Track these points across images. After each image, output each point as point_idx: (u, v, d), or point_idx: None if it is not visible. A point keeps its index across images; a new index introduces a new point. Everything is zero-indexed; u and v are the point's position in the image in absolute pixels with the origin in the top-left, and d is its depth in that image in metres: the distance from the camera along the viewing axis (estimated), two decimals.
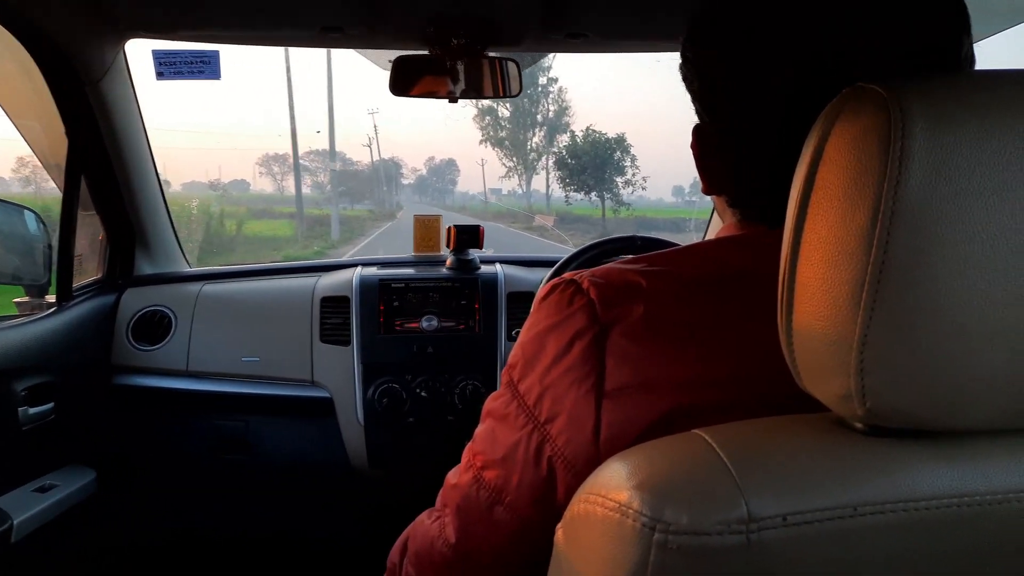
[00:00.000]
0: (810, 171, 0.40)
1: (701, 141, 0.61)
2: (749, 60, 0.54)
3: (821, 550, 0.38)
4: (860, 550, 0.38)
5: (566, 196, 33.82)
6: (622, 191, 32.62)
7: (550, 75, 40.76)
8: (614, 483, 0.41)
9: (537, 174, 45.32)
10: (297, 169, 21.80)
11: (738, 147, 0.57)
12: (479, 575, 0.61)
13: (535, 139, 43.37)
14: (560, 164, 33.91)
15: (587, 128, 34.63)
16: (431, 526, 0.65)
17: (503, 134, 43.41)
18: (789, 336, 0.42)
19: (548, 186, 44.69)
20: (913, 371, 0.37)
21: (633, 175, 32.50)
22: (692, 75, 0.60)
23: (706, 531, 0.37)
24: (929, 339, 0.37)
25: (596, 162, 32.19)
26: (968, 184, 0.35)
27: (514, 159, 43.92)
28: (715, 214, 1.66)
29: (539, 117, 41.98)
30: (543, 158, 43.77)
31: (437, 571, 0.64)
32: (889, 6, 0.51)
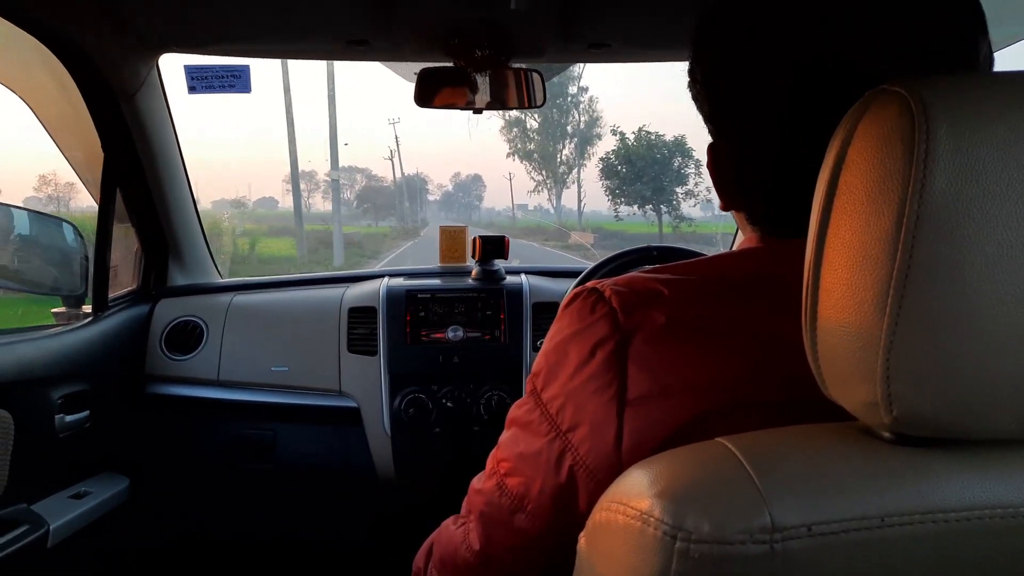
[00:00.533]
0: (833, 175, 0.40)
1: (716, 159, 0.61)
2: (750, 62, 0.54)
3: (847, 561, 0.37)
4: (887, 561, 0.37)
5: (615, 210, 28.20)
6: (682, 203, 26.51)
7: (580, 84, 37.59)
8: (635, 491, 0.40)
9: (567, 188, 42.26)
10: (296, 185, 18.85)
11: (745, 157, 0.58)
12: None
13: (565, 151, 40.45)
14: (608, 171, 27.83)
15: (640, 129, 28.08)
16: (456, 532, 0.66)
17: (531, 146, 40.76)
18: (814, 343, 0.42)
19: (580, 200, 41.18)
20: (941, 377, 0.36)
21: (696, 184, 25.98)
22: (702, 96, 0.60)
23: (728, 540, 0.36)
24: (956, 344, 0.36)
25: (654, 168, 26.24)
26: (995, 187, 0.35)
27: (543, 172, 41.08)
28: (738, 233, 1.65)
29: (569, 128, 39.06)
30: (573, 171, 40.69)
31: (460, 575, 0.64)
32: (890, 6, 0.51)
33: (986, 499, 0.38)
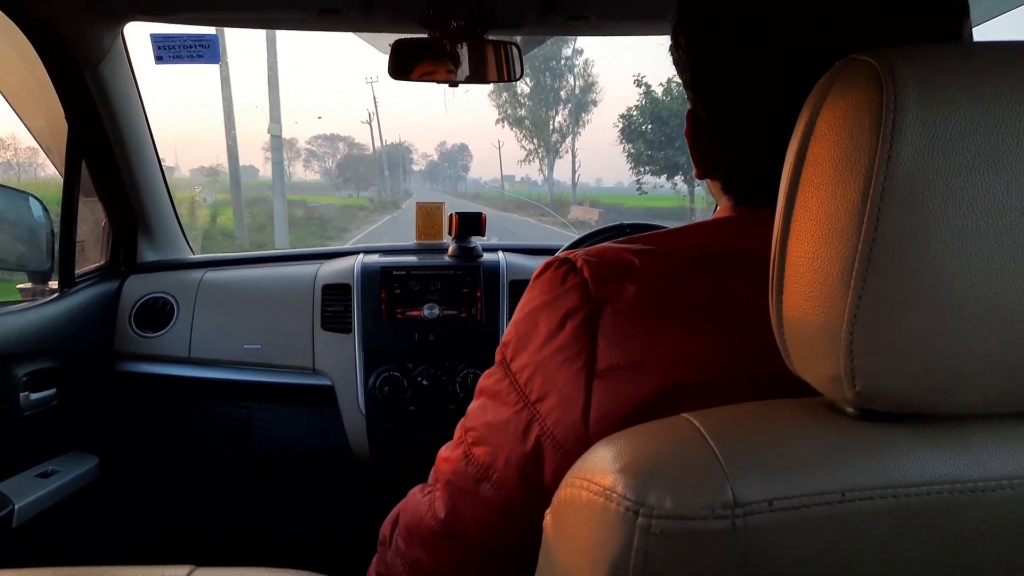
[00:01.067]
0: (801, 146, 0.39)
1: (694, 127, 0.61)
2: (745, 55, 0.54)
3: (808, 535, 0.37)
4: (849, 536, 0.37)
5: (638, 182, 22.58)
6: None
7: (575, 46, 35.35)
8: (599, 467, 0.40)
9: (560, 157, 39.08)
10: (233, 149, 15.43)
11: (731, 134, 0.57)
12: (464, 549, 0.62)
13: (558, 118, 37.69)
14: (630, 134, 21.95)
15: (670, 80, 21.49)
16: (422, 500, 0.66)
17: (522, 112, 37.58)
18: (779, 317, 0.41)
19: (575, 171, 38.92)
20: (904, 352, 0.36)
21: None
22: (684, 63, 0.59)
23: (690, 515, 0.36)
24: (921, 318, 0.36)
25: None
26: (962, 159, 0.34)
27: (535, 141, 37.90)
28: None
29: (563, 94, 36.77)
30: (567, 139, 37.86)
31: (424, 543, 0.64)
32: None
33: (947, 474, 0.38)
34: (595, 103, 37.17)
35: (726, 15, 0.55)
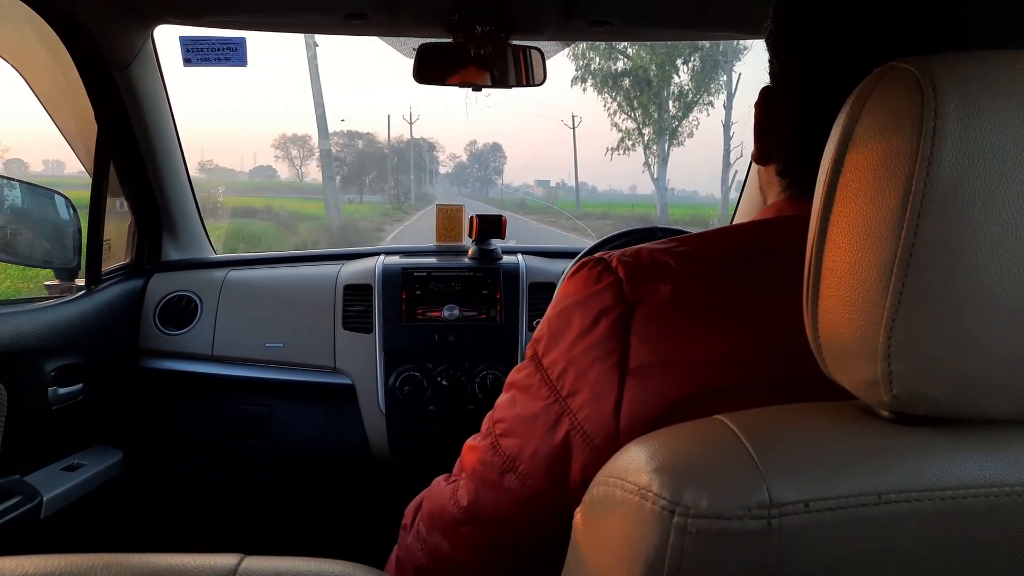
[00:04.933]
0: (839, 152, 0.39)
1: (766, 103, 0.61)
2: (817, 41, 0.54)
3: (844, 537, 0.37)
4: (884, 539, 0.37)
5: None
6: None
7: None
8: (634, 466, 0.40)
9: (681, 145, 23.01)
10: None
11: (801, 113, 0.57)
12: (483, 539, 0.62)
13: (682, 80, 21.53)
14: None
15: None
16: (446, 488, 0.67)
17: (623, 65, 21.61)
18: (815, 322, 0.42)
19: (731, 180, 21.51)
20: (941, 357, 0.36)
21: None
22: (779, 32, 0.59)
23: (726, 515, 0.36)
24: (959, 325, 0.36)
25: None
26: (1003, 166, 0.35)
27: (638, 114, 22.10)
28: (745, 192, 1.62)
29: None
30: (690, 113, 21.83)
31: (445, 530, 0.65)
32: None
33: (983, 478, 0.38)
34: (744, 51, 20.97)
35: (816, 16, 0.55)
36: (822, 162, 0.41)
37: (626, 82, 22.15)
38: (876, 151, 0.37)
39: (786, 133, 0.59)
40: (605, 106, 22.83)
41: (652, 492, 0.38)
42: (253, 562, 0.55)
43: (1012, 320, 0.36)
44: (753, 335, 0.50)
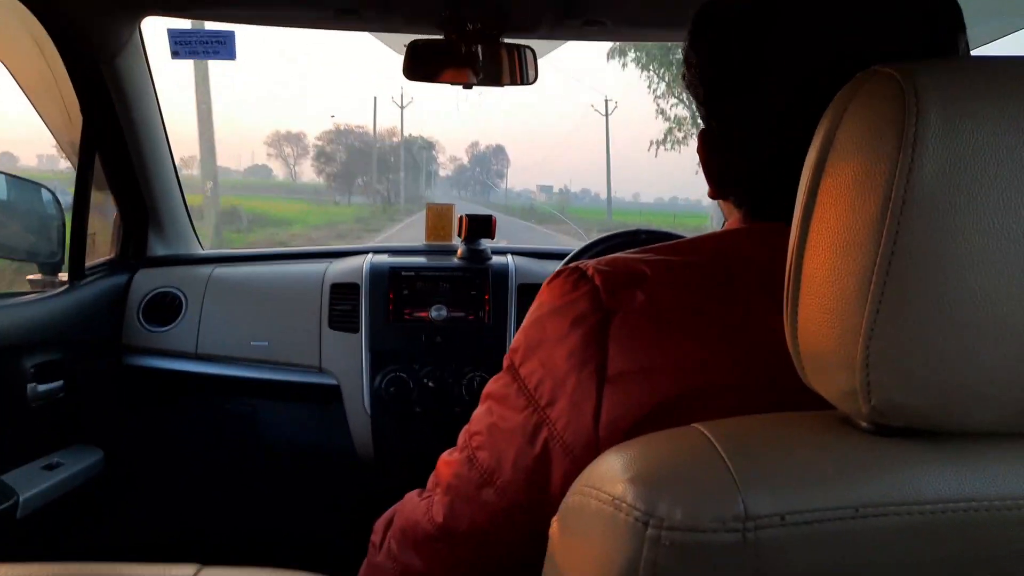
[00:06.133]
0: (820, 158, 0.39)
1: (707, 144, 0.61)
2: (753, 71, 0.55)
3: (820, 551, 0.36)
4: (861, 552, 0.37)
5: None
6: None
7: None
8: (609, 476, 0.40)
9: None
10: None
11: (742, 149, 0.58)
12: (459, 555, 0.62)
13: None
14: None
15: None
16: (419, 504, 0.66)
17: None
18: (794, 329, 0.41)
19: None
20: (921, 367, 0.36)
21: None
22: (696, 81, 0.60)
23: (701, 528, 0.35)
24: (938, 334, 0.35)
25: None
26: (984, 174, 0.34)
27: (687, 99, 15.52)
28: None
29: None
30: None
31: (418, 547, 0.64)
32: (892, 7, 0.52)
33: (962, 492, 0.37)
34: None
35: (735, 33, 0.56)
36: (804, 167, 0.41)
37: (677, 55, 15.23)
38: (857, 157, 0.37)
39: (731, 171, 0.60)
40: (650, 87, 18.72)
41: (626, 503, 0.38)
42: (210, 573, 0.54)
43: (993, 331, 0.35)
44: (730, 341, 0.50)
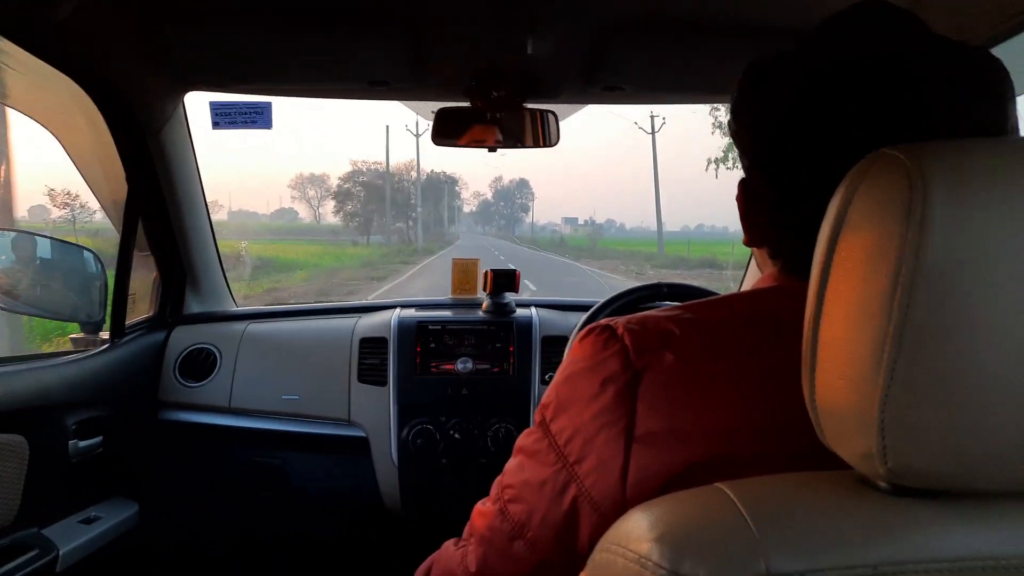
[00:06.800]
0: (833, 232, 0.41)
1: (747, 193, 0.62)
2: (797, 139, 0.55)
3: None
4: None
5: None
6: None
7: None
8: (635, 534, 0.41)
9: None
10: None
11: (784, 201, 0.58)
12: None
13: None
14: None
15: None
16: (455, 553, 0.67)
17: None
18: (812, 394, 0.43)
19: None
20: (935, 433, 0.37)
21: None
22: (742, 130, 0.61)
23: None
24: (951, 402, 0.37)
25: None
26: (992, 251, 0.36)
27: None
28: (750, 265, 1.65)
29: None
30: None
31: None
32: (938, 83, 0.52)
33: (980, 550, 0.38)
34: None
35: (780, 102, 0.57)
36: (818, 239, 0.43)
37: None
38: (868, 234, 0.39)
39: (769, 222, 0.61)
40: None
41: (652, 561, 0.39)
42: None
43: (1003, 400, 0.36)
44: (759, 405, 0.51)
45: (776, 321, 0.55)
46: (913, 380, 0.37)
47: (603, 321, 0.59)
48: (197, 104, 1.54)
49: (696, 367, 0.53)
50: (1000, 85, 0.53)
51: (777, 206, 0.59)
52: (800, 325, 0.45)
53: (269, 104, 1.44)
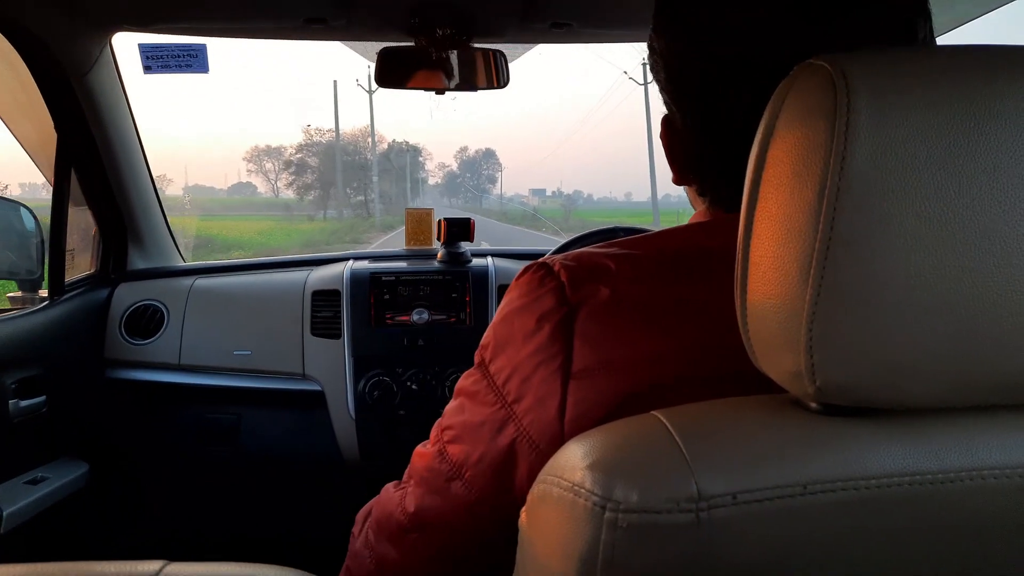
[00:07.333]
0: (762, 149, 0.40)
1: (670, 131, 0.62)
2: (713, 61, 0.55)
3: (770, 528, 0.38)
4: (809, 528, 0.38)
5: None
6: None
7: None
8: (569, 464, 0.41)
9: None
10: None
11: (704, 135, 0.58)
12: (431, 545, 0.63)
13: None
14: None
15: None
16: (394, 495, 0.67)
17: None
18: (744, 315, 0.42)
19: None
20: (860, 347, 0.37)
21: None
22: (659, 66, 0.61)
23: (655, 509, 0.37)
24: (876, 315, 0.37)
25: None
26: (915, 160, 0.35)
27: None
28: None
29: None
30: None
31: (392, 538, 0.65)
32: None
33: (906, 467, 0.38)
34: None
35: (696, 23, 0.56)
36: (749, 158, 0.42)
37: None
38: (794, 147, 0.38)
39: (692, 159, 0.61)
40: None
41: (585, 489, 0.39)
42: (176, 568, 0.54)
43: (925, 310, 0.36)
44: (693, 332, 0.51)
45: (707, 251, 0.55)
46: (839, 293, 0.37)
47: (541, 260, 0.58)
48: (129, 48, 1.46)
49: (630, 300, 0.52)
50: (911, 2, 0.53)
51: (698, 141, 0.59)
52: (730, 255, 0.45)
53: (204, 46, 1.37)
